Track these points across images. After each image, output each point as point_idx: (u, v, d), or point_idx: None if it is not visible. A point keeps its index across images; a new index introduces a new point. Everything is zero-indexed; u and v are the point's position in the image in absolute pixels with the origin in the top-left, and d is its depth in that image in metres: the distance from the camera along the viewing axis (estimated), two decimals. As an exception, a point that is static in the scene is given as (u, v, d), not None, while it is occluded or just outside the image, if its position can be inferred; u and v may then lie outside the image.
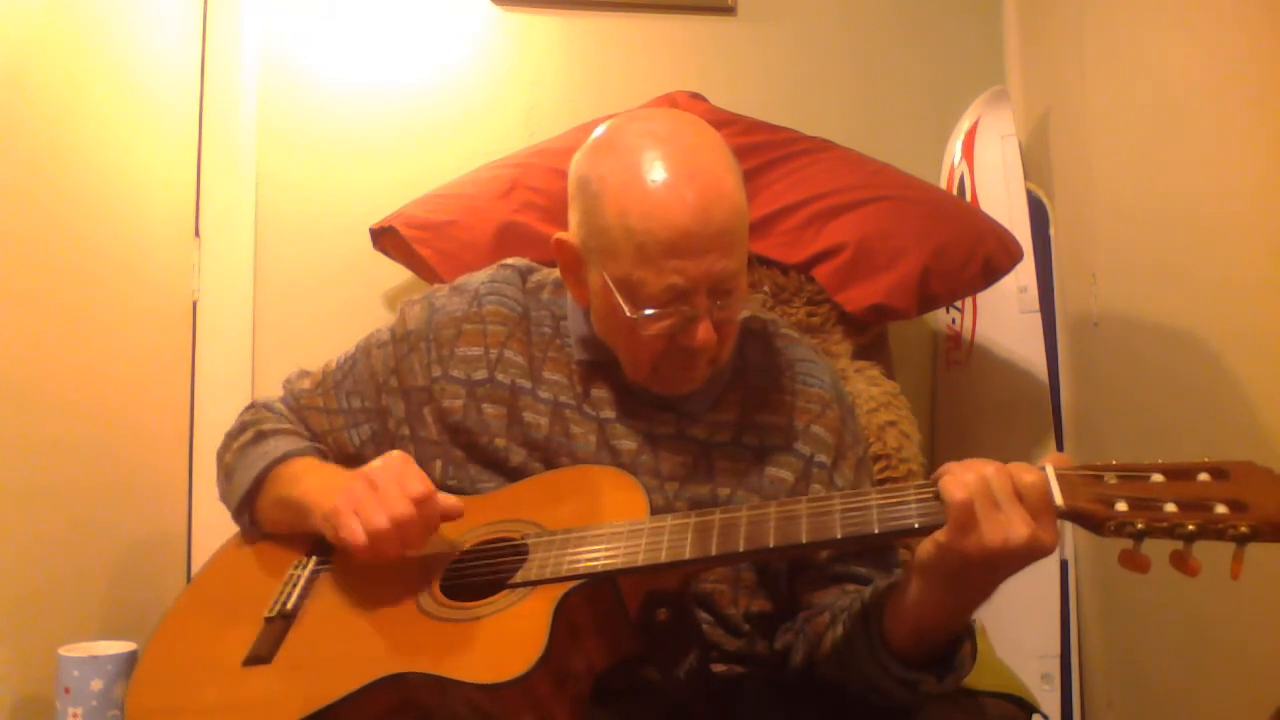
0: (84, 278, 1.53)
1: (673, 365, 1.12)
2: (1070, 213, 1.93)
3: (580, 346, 1.20)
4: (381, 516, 1.02)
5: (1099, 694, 1.81)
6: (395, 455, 1.09)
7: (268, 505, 1.21)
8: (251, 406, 1.32)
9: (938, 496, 0.93)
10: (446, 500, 1.07)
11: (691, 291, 1.05)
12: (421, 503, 1.03)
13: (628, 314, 1.07)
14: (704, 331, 1.07)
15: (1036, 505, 0.89)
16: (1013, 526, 0.88)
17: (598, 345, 1.18)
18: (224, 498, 1.26)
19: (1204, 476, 0.87)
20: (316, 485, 1.13)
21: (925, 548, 0.93)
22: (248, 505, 1.22)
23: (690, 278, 1.05)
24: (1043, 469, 0.91)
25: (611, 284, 1.08)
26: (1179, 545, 0.85)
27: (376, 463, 1.07)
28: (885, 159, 1.87)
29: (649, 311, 1.06)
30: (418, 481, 1.04)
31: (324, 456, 1.24)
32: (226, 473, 1.26)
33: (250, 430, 1.25)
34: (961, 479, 0.90)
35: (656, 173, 1.05)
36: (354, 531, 1.03)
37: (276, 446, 1.22)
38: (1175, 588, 1.55)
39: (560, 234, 1.15)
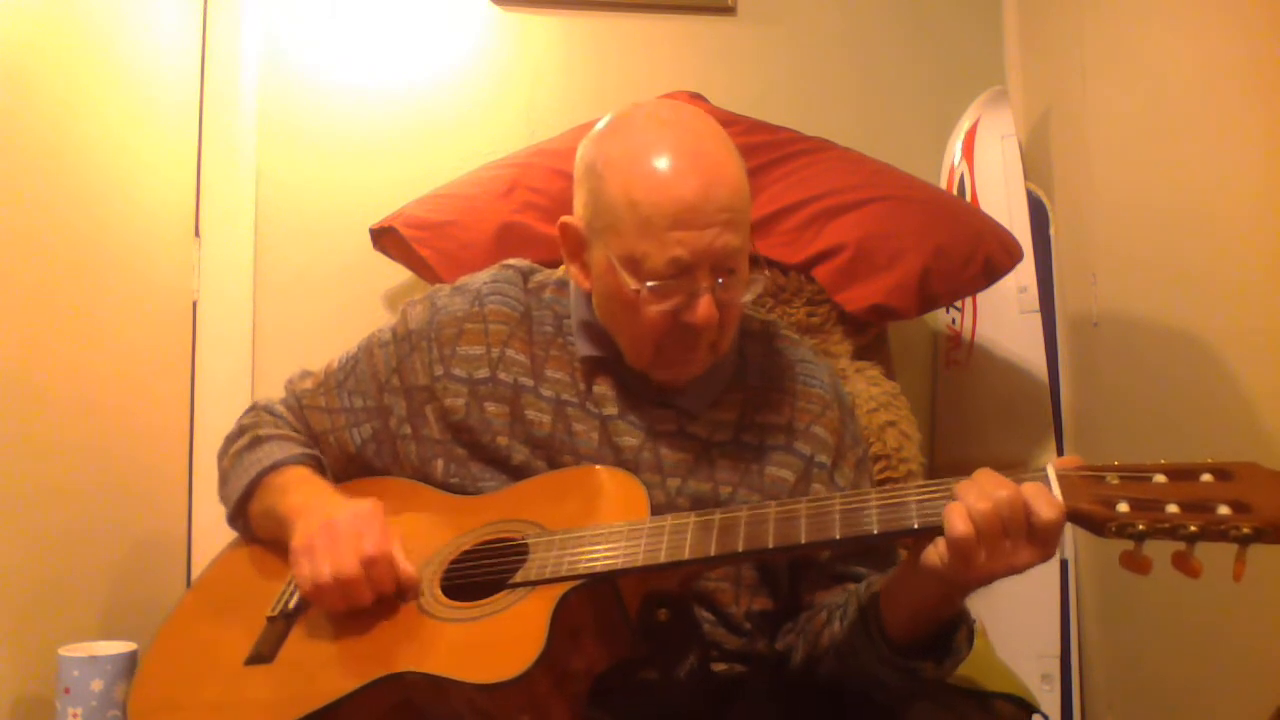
0: (84, 278, 1.53)
1: (675, 345, 1.12)
2: (1070, 213, 1.93)
3: (582, 335, 1.20)
4: (327, 569, 1.03)
5: (1099, 694, 1.81)
6: (365, 507, 1.09)
7: (258, 515, 1.21)
8: (252, 409, 1.32)
9: (939, 500, 0.92)
10: (403, 569, 1.06)
11: (694, 265, 1.06)
12: (370, 564, 1.03)
13: (631, 287, 1.07)
14: (705, 307, 1.07)
15: (1048, 537, 0.89)
16: (1018, 556, 0.89)
17: (600, 334, 1.18)
18: (223, 502, 1.27)
19: (1207, 477, 0.86)
20: (298, 505, 1.13)
21: (928, 554, 0.93)
22: (241, 512, 1.23)
23: (693, 250, 1.05)
24: (1044, 470, 0.91)
25: (616, 260, 1.09)
26: (1181, 546, 0.84)
27: (347, 511, 1.08)
28: (885, 159, 1.86)
29: (651, 284, 1.07)
30: (373, 542, 1.04)
31: (318, 463, 1.24)
32: (223, 477, 1.27)
33: (247, 435, 1.26)
34: (969, 510, 0.89)
35: (661, 151, 1.07)
36: (302, 577, 1.05)
37: (269, 453, 1.22)
38: (1176, 588, 1.55)
39: (565, 218, 1.16)
